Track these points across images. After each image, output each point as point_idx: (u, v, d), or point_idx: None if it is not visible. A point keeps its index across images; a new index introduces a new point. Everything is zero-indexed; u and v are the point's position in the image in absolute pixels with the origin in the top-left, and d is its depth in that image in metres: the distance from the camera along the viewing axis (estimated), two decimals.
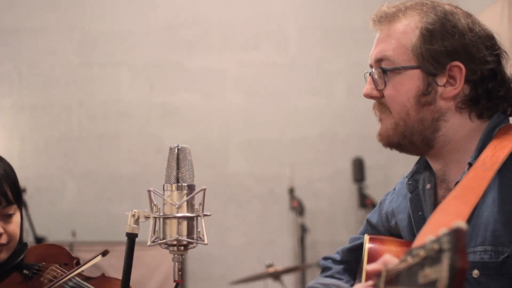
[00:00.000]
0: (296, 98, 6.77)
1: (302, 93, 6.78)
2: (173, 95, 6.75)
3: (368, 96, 2.07)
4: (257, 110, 6.76)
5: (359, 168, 6.52)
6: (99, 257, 2.24)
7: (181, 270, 1.65)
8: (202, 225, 1.64)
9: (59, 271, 2.34)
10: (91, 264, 2.28)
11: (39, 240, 5.65)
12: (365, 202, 6.40)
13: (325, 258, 2.43)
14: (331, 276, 2.34)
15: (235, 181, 6.71)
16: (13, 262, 2.35)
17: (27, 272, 2.35)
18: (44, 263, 2.39)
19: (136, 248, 1.72)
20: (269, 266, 5.39)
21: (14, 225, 2.31)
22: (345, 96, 6.72)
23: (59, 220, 6.54)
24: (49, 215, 6.47)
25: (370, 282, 1.55)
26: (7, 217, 2.29)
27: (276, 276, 5.38)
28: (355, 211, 6.59)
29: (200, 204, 1.65)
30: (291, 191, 6.47)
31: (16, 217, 2.33)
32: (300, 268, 6.00)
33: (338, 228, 6.67)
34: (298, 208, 6.38)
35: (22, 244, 2.41)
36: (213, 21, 6.84)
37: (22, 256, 2.37)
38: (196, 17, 6.83)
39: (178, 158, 1.65)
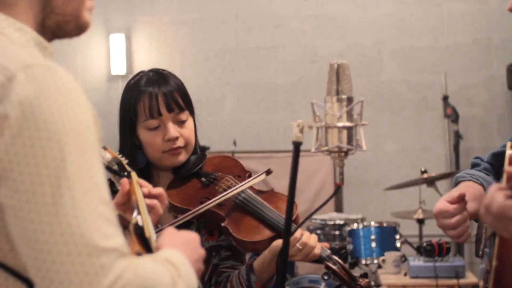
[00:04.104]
0: (450, 4, 6.68)
1: None
2: (327, 6, 6.81)
3: None
4: (410, 18, 6.73)
5: None
6: (263, 175, 2.50)
7: (342, 174, 1.81)
8: (361, 133, 1.78)
9: (233, 182, 2.55)
10: (256, 181, 2.51)
11: (202, 149, 5.92)
12: None
13: (476, 157, 2.57)
14: (479, 171, 2.49)
15: (388, 89, 6.76)
16: (193, 169, 2.58)
17: (204, 179, 2.57)
18: (220, 173, 2.60)
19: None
20: (424, 172, 5.47)
21: (188, 130, 2.52)
22: (500, 1, 6.57)
23: (220, 130, 6.82)
24: (210, 125, 6.71)
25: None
26: (181, 123, 2.52)
27: (430, 182, 5.46)
28: (510, 117, 6.53)
29: (358, 115, 1.80)
30: (445, 98, 6.45)
31: (189, 123, 2.54)
32: (454, 174, 6.03)
33: (492, 134, 6.62)
34: (452, 115, 6.35)
35: (201, 154, 2.65)
36: None
37: (201, 165, 2.60)
38: None
39: (338, 73, 1.78)
